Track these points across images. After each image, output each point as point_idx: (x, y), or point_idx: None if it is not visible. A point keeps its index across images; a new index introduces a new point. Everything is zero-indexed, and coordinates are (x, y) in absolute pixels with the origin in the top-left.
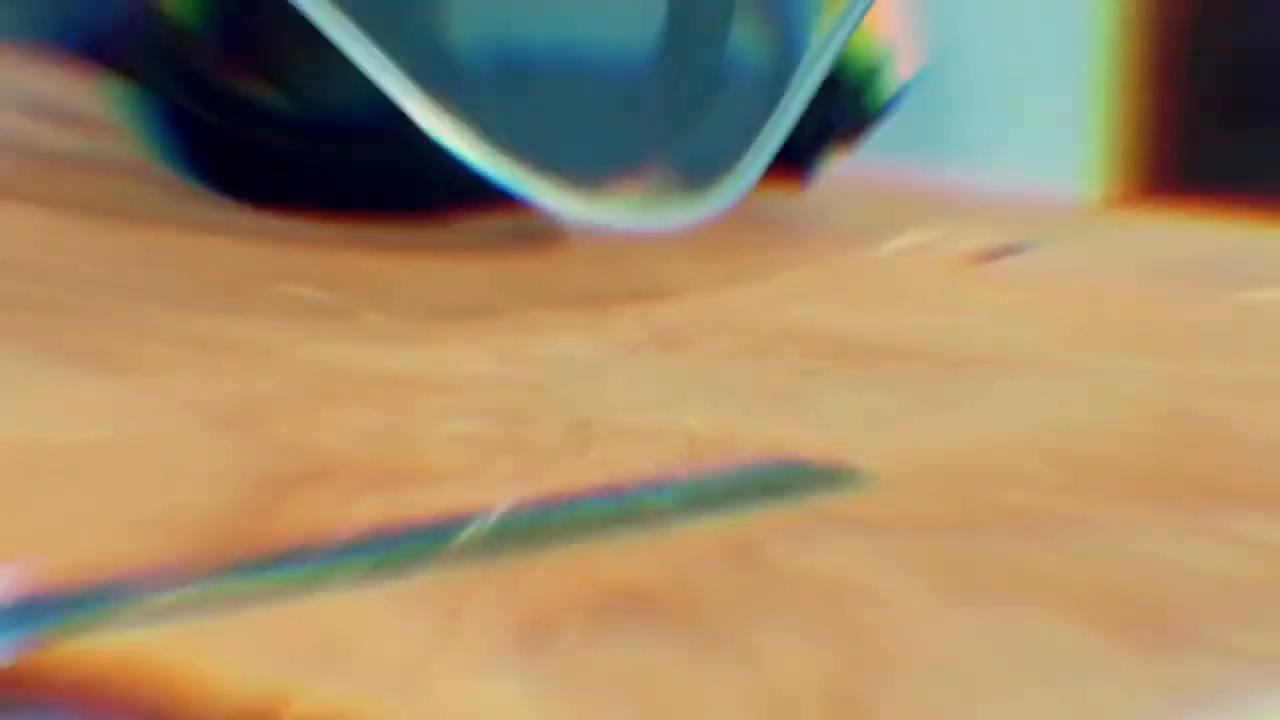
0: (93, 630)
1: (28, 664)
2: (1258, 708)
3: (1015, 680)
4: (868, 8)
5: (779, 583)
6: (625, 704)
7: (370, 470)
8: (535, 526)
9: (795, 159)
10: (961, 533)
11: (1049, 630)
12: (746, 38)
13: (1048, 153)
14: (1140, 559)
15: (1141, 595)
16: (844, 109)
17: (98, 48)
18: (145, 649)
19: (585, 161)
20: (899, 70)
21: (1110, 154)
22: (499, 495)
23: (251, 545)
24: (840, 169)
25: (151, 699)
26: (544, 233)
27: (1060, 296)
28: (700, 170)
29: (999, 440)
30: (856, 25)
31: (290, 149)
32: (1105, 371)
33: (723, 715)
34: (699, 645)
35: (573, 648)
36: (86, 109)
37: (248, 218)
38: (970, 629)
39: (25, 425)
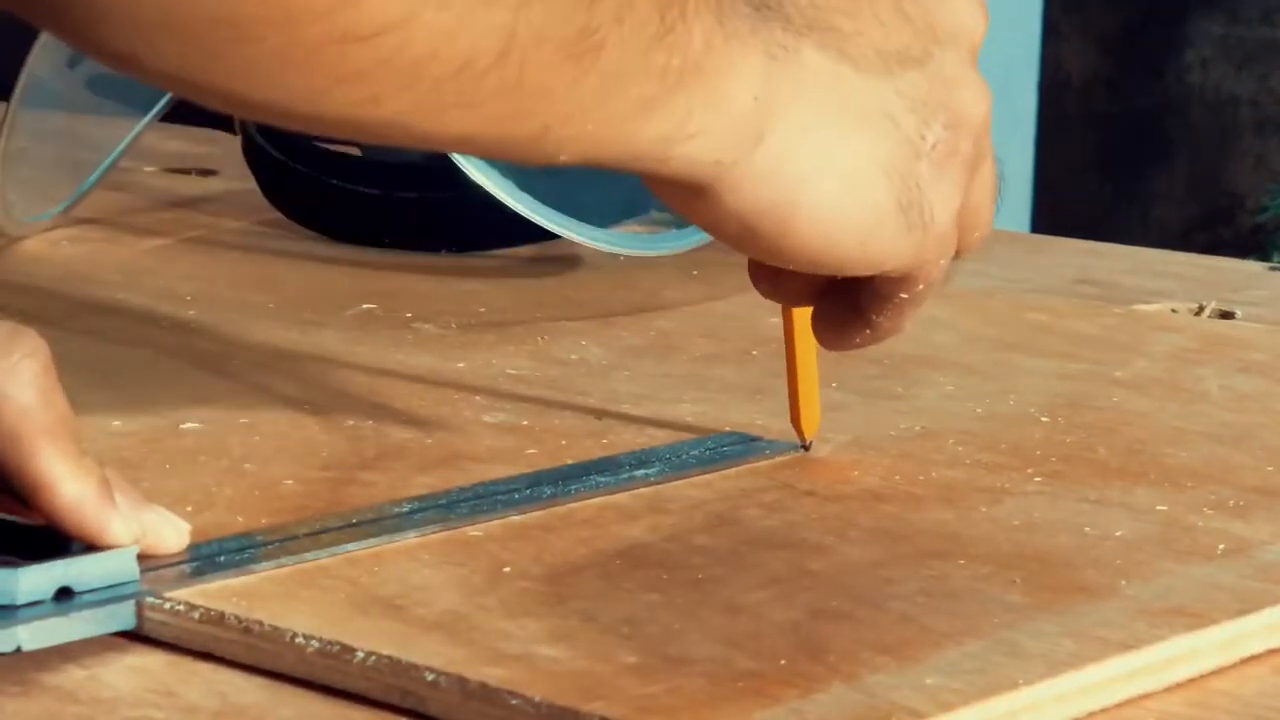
0: (192, 585)
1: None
2: (1158, 651)
3: (950, 627)
4: None
5: (752, 543)
6: (632, 642)
7: (424, 453)
8: (555, 499)
9: None
10: (903, 502)
11: (978, 585)
12: None
13: None
14: (1053, 525)
15: (1055, 556)
16: None
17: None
18: (236, 602)
19: (599, 202)
20: None
21: (1021, 195)
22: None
23: (329, 513)
24: None
25: (242, 646)
26: (565, 259)
27: (981, 310)
28: None
29: (932, 426)
30: None
31: (362, 192)
32: (1018, 371)
33: (710, 652)
34: (689, 594)
35: (589, 596)
36: (208, 163)
37: (323, 247)
38: (911, 584)
39: (152, 415)
